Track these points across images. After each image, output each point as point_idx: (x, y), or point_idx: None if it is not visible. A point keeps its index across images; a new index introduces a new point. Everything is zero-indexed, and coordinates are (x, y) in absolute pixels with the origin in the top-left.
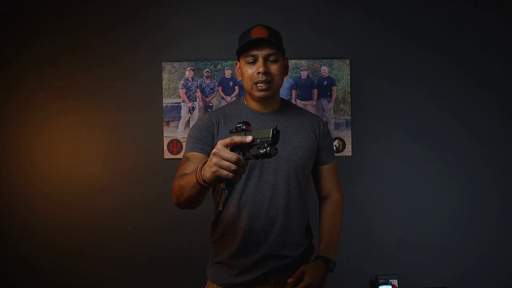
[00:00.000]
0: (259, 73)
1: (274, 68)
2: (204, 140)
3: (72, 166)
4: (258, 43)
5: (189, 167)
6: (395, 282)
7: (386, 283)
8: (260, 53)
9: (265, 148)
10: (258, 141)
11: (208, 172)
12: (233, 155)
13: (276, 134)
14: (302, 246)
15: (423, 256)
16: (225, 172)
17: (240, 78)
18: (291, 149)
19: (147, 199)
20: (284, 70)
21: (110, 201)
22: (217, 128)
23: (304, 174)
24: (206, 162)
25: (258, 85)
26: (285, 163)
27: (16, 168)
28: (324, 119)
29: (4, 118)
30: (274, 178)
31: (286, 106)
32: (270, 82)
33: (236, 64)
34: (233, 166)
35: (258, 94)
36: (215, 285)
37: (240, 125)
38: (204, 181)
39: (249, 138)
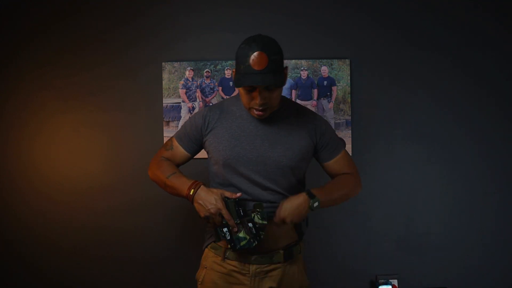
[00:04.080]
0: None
1: (272, 96)
2: (192, 138)
3: (72, 166)
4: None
5: (170, 156)
6: (395, 282)
7: (386, 283)
8: (259, 86)
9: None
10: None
11: (201, 211)
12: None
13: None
14: (285, 239)
15: (423, 256)
16: (212, 219)
17: None
18: (281, 150)
19: (147, 199)
20: (284, 82)
21: (110, 201)
22: (211, 125)
23: (294, 174)
24: (198, 185)
25: (255, 110)
26: (274, 164)
27: (16, 168)
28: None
29: (4, 118)
30: (260, 177)
31: (284, 106)
32: (267, 108)
33: (233, 71)
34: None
35: (254, 115)
36: (212, 252)
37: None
38: (192, 201)
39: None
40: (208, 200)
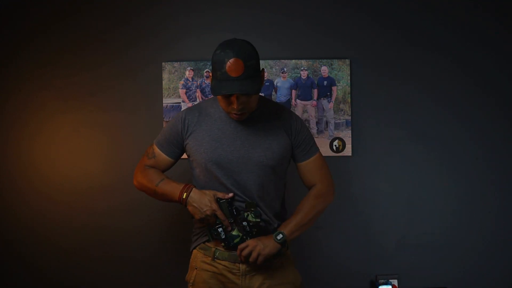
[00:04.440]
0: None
1: (250, 100)
2: (173, 142)
3: (72, 166)
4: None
5: (153, 164)
6: (395, 282)
7: (386, 283)
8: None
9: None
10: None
11: (196, 213)
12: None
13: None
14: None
15: (423, 256)
16: (206, 220)
17: None
18: (261, 150)
19: (147, 199)
20: (261, 87)
21: (110, 201)
22: (190, 128)
23: (276, 173)
24: (189, 188)
25: (233, 114)
26: (255, 165)
27: (16, 168)
28: (324, 119)
29: (4, 118)
30: (243, 179)
31: (262, 106)
32: (246, 112)
33: (210, 74)
34: (210, 220)
35: (233, 117)
36: (200, 253)
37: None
38: (185, 204)
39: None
40: (202, 202)
